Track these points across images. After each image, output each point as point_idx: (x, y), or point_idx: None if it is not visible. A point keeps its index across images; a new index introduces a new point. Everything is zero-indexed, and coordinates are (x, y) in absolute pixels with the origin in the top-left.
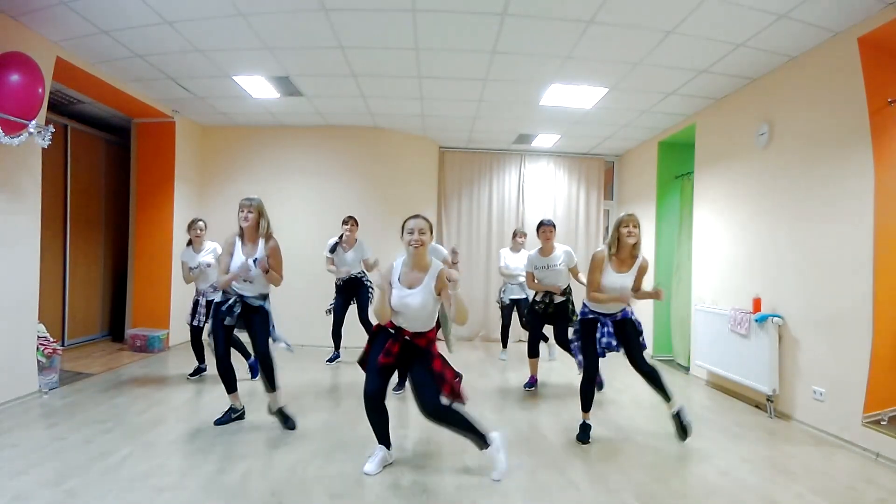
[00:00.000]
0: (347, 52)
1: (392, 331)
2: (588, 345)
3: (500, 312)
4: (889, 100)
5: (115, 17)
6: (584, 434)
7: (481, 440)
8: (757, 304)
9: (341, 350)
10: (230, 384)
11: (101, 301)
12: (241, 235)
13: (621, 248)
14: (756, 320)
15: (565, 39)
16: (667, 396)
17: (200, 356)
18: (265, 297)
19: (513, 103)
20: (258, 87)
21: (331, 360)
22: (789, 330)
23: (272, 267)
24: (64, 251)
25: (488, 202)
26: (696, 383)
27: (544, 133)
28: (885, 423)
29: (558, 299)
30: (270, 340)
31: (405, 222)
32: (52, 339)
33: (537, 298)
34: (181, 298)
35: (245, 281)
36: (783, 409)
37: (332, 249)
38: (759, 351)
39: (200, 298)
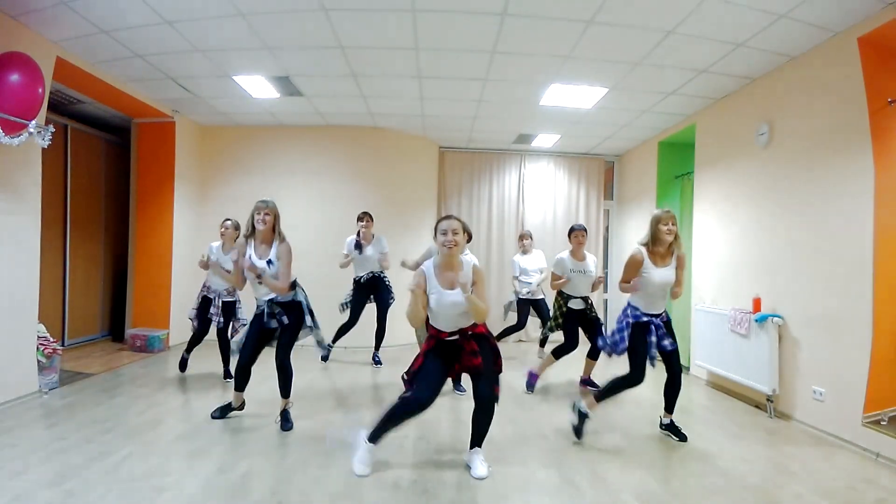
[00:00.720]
0: (347, 52)
1: (455, 336)
2: (640, 349)
3: (508, 310)
4: (889, 100)
5: (115, 17)
6: (580, 424)
7: (481, 441)
8: (757, 304)
9: (336, 345)
10: (241, 385)
11: (101, 301)
12: (252, 237)
13: (659, 244)
14: (756, 320)
15: (565, 39)
16: (671, 407)
17: (190, 348)
18: (293, 286)
19: (513, 103)
20: (258, 87)
21: (325, 359)
22: (789, 330)
23: (279, 268)
24: (64, 251)
25: (488, 202)
26: (696, 383)
27: (544, 133)
28: (885, 423)
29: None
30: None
31: (438, 223)
32: (52, 339)
33: (574, 306)
34: (181, 298)
35: (260, 283)
36: (783, 409)
37: (358, 248)
38: (759, 351)
39: (215, 298)
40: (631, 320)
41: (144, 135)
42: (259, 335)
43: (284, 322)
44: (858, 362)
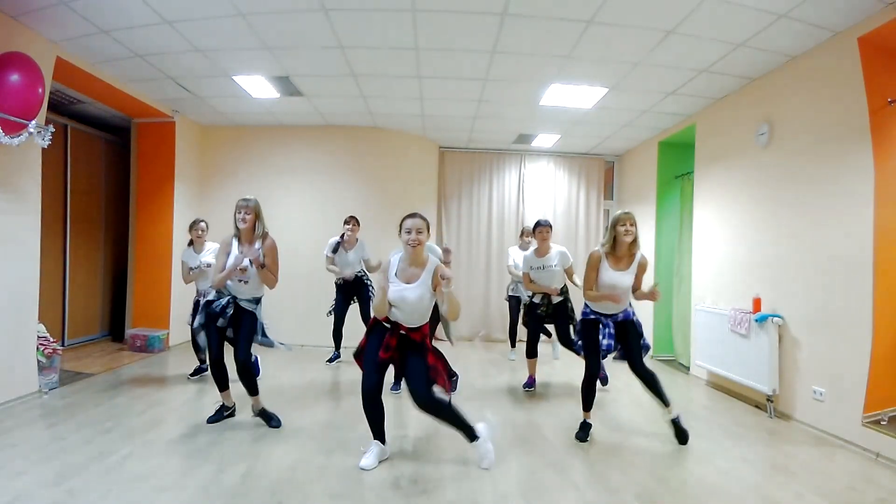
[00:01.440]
0: (347, 52)
1: (388, 325)
2: (590, 344)
3: (504, 311)
4: (889, 100)
5: (115, 17)
6: (583, 433)
7: (470, 433)
8: (757, 304)
9: (342, 350)
10: (223, 383)
11: (101, 301)
12: (238, 236)
13: (618, 246)
14: (756, 320)
15: (565, 39)
16: (664, 402)
17: (201, 356)
18: (258, 301)
19: (513, 103)
20: (258, 87)
21: (331, 361)
22: (789, 330)
23: (268, 266)
24: (64, 251)
25: (488, 202)
26: (697, 383)
27: (544, 133)
28: (885, 423)
29: (556, 300)
30: (265, 344)
31: (403, 221)
32: (52, 339)
33: (535, 301)
34: (181, 298)
35: (240, 281)
36: (783, 409)
37: (335, 249)
38: (759, 351)
39: (201, 299)
40: (580, 317)
41: (144, 135)
42: (220, 329)
43: (228, 314)
44: (858, 362)
